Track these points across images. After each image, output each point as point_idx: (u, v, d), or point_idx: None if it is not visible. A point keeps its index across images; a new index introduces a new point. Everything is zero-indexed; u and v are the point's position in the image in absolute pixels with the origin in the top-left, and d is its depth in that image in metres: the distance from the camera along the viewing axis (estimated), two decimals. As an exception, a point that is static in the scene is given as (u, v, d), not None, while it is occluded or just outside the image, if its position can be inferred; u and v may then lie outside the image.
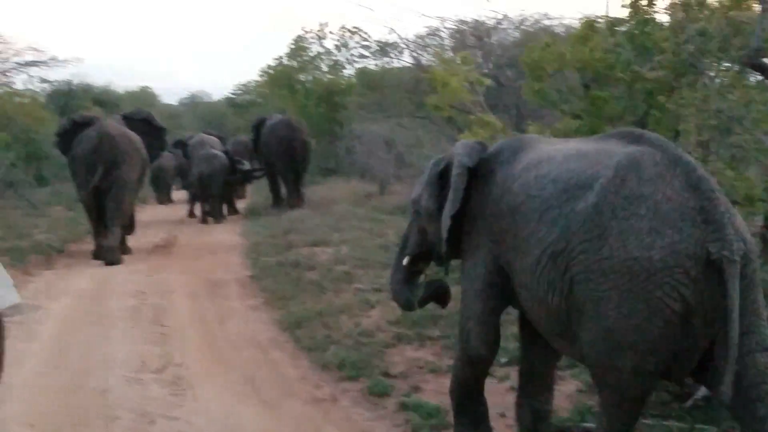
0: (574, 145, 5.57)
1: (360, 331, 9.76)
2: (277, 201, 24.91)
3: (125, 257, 16.91)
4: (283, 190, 24.65)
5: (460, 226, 6.08)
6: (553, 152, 5.48)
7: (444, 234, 6.04)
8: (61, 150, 18.25)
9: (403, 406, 7.38)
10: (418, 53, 26.85)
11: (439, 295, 6.98)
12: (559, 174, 5.19)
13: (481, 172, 5.99)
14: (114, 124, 17.69)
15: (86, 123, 17.66)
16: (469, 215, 6.02)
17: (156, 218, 24.30)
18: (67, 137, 17.73)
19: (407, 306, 7.07)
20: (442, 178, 6.33)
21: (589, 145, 5.40)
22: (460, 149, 6.20)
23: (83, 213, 18.21)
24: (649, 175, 4.71)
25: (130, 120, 18.60)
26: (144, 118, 19.12)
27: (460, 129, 16.24)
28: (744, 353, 4.54)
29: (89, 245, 17.87)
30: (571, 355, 5.69)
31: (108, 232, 16.73)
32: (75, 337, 10.43)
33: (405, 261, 6.93)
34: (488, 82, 11.09)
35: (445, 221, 6.03)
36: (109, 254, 16.37)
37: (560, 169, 5.21)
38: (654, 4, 8.71)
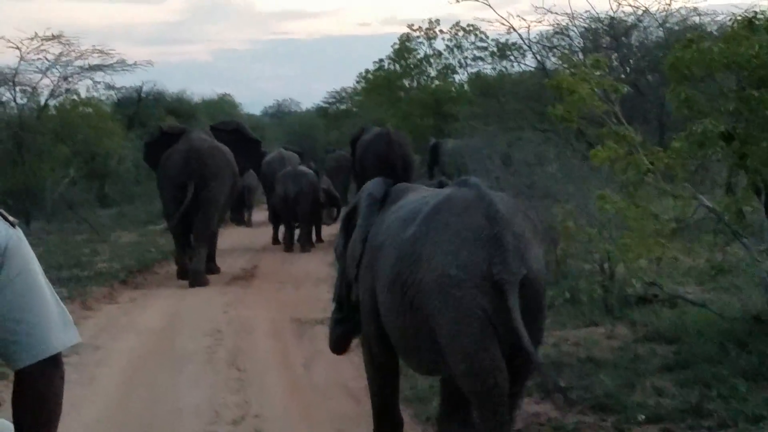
0: (426, 192, 7.18)
1: (470, 380, 9.68)
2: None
3: (211, 277, 18.04)
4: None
5: None
6: (411, 199, 7.06)
7: (354, 260, 7.33)
8: (149, 163, 19.30)
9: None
10: (542, 56, 26.79)
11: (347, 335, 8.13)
12: (403, 214, 6.82)
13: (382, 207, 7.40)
14: (203, 137, 18.49)
15: (175, 134, 18.59)
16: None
17: (235, 244, 24.30)
18: (154, 148, 18.66)
19: (333, 349, 8.38)
20: (349, 220, 7.79)
21: (431, 191, 7.10)
22: (369, 185, 7.72)
23: (150, 239, 18.72)
24: (458, 209, 6.33)
25: (219, 132, 19.35)
26: (234, 129, 19.94)
27: (590, 144, 16.08)
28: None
29: (157, 275, 18.34)
30: (420, 371, 7.40)
31: (194, 253, 17.83)
32: (140, 381, 10.63)
33: (332, 306, 8.24)
34: (625, 89, 10.93)
35: (356, 246, 7.34)
36: (194, 277, 17.40)
37: (405, 210, 6.85)
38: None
